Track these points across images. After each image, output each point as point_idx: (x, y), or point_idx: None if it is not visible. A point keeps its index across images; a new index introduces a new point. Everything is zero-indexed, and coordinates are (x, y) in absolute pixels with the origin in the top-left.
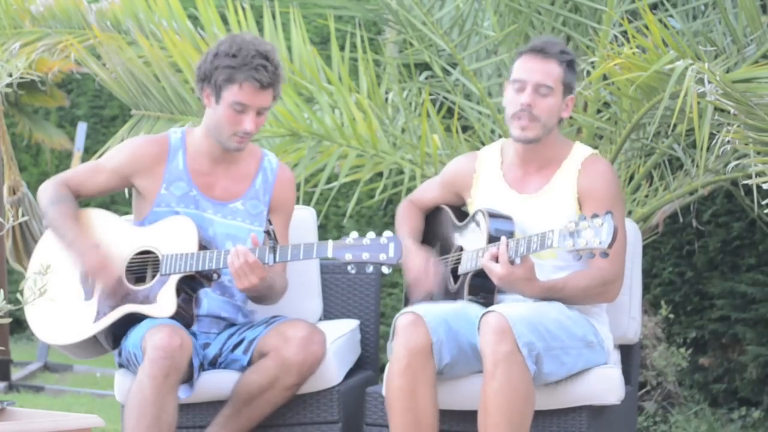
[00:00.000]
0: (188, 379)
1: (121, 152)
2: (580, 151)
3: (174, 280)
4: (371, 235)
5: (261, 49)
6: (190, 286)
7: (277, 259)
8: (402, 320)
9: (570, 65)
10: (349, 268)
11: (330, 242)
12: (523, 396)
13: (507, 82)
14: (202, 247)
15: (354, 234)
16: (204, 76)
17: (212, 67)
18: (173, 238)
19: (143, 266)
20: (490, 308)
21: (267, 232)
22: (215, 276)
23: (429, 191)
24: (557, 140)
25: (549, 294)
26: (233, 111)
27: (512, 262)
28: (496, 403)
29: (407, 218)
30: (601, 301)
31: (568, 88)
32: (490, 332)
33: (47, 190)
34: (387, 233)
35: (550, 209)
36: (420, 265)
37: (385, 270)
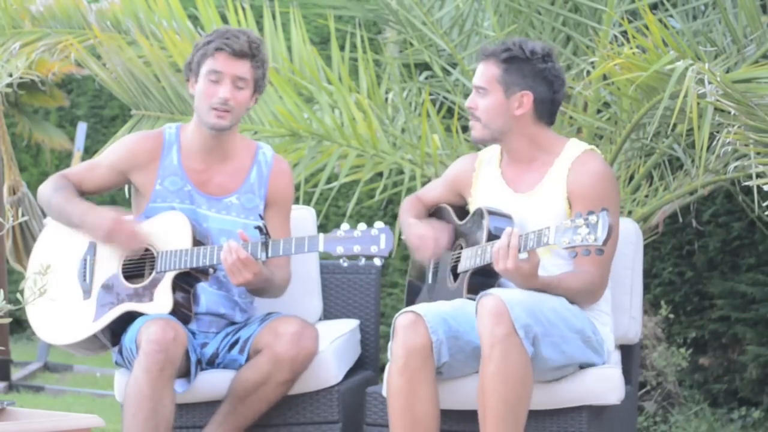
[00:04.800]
0: (185, 373)
1: (117, 149)
2: (573, 148)
3: (170, 276)
4: (362, 227)
5: (239, 29)
6: (186, 281)
7: (270, 254)
8: (401, 320)
9: (512, 62)
10: (341, 261)
11: (321, 236)
12: (520, 378)
13: None
14: (197, 241)
15: (345, 226)
16: (187, 67)
17: (192, 54)
18: (167, 234)
19: (140, 263)
20: (487, 291)
21: (259, 228)
22: (211, 270)
23: (433, 190)
24: (543, 137)
25: (545, 290)
26: (209, 82)
27: None
28: (493, 385)
29: (411, 208)
30: (585, 305)
31: (511, 86)
32: (487, 315)
33: (48, 183)
34: (378, 224)
35: (542, 208)
36: (425, 228)
37: (377, 262)
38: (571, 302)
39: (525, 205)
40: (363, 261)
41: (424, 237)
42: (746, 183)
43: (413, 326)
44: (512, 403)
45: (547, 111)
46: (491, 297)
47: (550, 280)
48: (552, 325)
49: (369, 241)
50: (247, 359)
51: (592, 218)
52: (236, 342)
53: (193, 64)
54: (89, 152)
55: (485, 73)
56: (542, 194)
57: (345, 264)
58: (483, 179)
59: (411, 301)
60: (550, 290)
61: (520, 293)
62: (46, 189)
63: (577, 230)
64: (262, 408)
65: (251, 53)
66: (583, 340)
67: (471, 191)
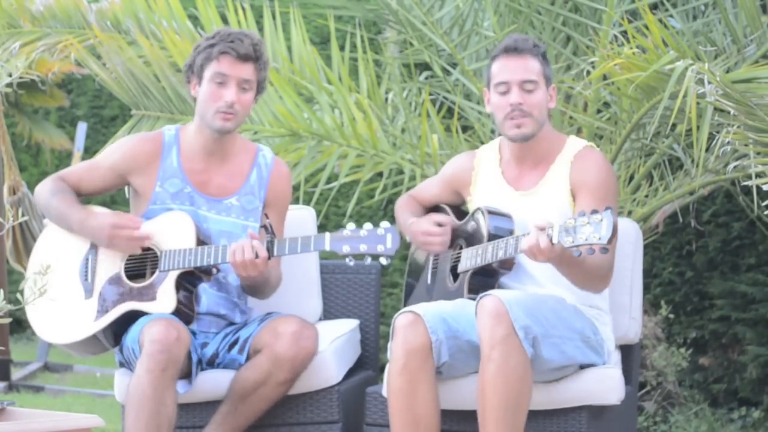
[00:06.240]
0: (187, 374)
1: (116, 151)
2: (574, 144)
3: (173, 276)
4: (368, 226)
5: (240, 30)
6: (189, 281)
7: (276, 253)
8: (401, 320)
9: (544, 57)
10: (347, 260)
11: (327, 235)
12: (519, 378)
13: (486, 89)
14: (201, 241)
15: (351, 225)
16: (188, 69)
17: (194, 56)
18: (171, 234)
19: (142, 263)
20: (487, 292)
21: (264, 227)
22: (214, 271)
23: (429, 189)
24: (551, 135)
25: (569, 262)
26: (214, 85)
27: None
28: (492, 386)
29: (408, 207)
30: (599, 288)
31: (548, 80)
32: (487, 315)
33: (46, 185)
34: (384, 224)
35: (546, 205)
36: (429, 223)
37: (383, 261)
38: (588, 282)
39: (527, 203)
40: (369, 260)
41: (430, 231)
42: (746, 183)
43: (412, 326)
44: (512, 403)
45: None
46: (491, 297)
47: (572, 256)
48: (552, 325)
49: (375, 241)
50: (247, 359)
51: (596, 217)
52: (236, 342)
53: (195, 67)
54: (89, 152)
55: (532, 67)
56: (545, 191)
57: (351, 263)
58: (483, 178)
59: (410, 302)
60: (573, 262)
61: (520, 294)
62: (43, 191)
63: (581, 229)
64: (262, 408)
65: (255, 56)
66: (583, 340)
67: (471, 190)
